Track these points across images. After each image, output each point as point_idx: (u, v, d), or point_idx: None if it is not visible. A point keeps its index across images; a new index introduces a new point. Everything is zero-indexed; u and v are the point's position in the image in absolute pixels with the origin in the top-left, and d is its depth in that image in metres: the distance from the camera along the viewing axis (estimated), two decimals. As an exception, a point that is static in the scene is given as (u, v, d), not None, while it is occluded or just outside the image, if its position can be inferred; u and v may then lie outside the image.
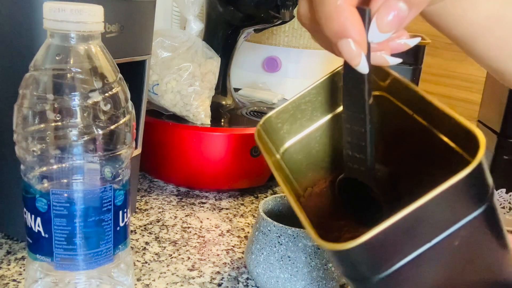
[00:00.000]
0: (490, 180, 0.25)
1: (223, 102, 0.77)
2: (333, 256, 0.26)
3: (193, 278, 0.50)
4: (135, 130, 0.41)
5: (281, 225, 0.45)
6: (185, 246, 0.56)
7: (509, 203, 0.67)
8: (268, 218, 0.46)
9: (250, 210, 0.67)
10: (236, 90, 0.87)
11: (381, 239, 0.23)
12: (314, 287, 0.45)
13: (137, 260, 0.52)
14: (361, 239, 0.23)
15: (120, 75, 0.38)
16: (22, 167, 0.38)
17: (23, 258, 0.50)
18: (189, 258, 0.53)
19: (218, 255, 0.55)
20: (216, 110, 0.73)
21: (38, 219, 0.37)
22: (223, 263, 0.53)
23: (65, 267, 0.38)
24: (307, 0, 0.31)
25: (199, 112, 0.68)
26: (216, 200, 0.69)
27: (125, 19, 0.50)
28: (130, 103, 0.39)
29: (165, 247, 0.55)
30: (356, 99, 0.30)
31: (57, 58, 0.35)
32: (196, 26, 0.70)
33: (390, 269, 0.25)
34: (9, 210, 0.52)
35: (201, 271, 0.51)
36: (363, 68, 0.28)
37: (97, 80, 0.36)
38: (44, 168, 0.36)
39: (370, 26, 0.28)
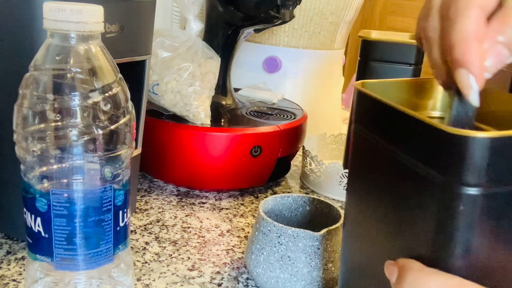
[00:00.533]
0: None
1: (223, 102, 0.77)
2: (472, 145, 0.26)
3: (193, 278, 0.50)
4: (135, 130, 0.41)
5: (281, 225, 0.45)
6: (185, 246, 0.56)
7: None
8: (268, 218, 0.46)
9: (250, 210, 0.67)
10: (236, 90, 0.87)
11: None
12: (314, 287, 0.45)
13: (137, 260, 0.52)
14: None
15: (120, 75, 0.38)
16: (22, 167, 0.38)
17: (23, 258, 0.50)
18: (189, 258, 0.53)
19: (218, 255, 0.55)
20: (216, 110, 0.73)
21: (38, 219, 0.37)
22: (223, 263, 0.53)
23: (65, 267, 0.38)
24: (439, 16, 0.32)
25: (199, 112, 0.68)
26: (216, 200, 0.69)
27: (125, 19, 0.50)
28: (130, 103, 0.39)
29: (165, 247, 0.55)
30: (461, 121, 0.32)
31: (57, 58, 0.35)
32: (196, 26, 0.70)
33: (504, 187, 0.26)
34: (9, 210, 0.52)
35: (201, 271, 0.51)
36: (473, 100, 0.29)
37: (97, 80, 0.36)
38: (44, 168, 0.36)
39: None
